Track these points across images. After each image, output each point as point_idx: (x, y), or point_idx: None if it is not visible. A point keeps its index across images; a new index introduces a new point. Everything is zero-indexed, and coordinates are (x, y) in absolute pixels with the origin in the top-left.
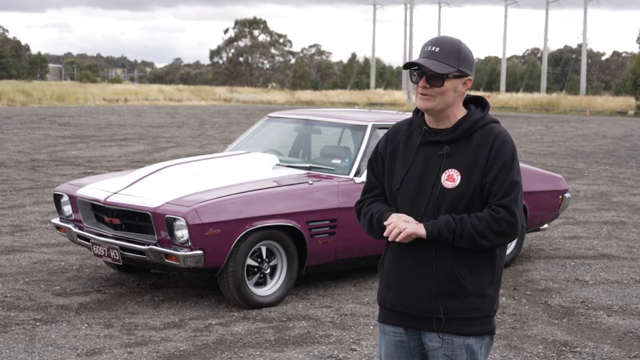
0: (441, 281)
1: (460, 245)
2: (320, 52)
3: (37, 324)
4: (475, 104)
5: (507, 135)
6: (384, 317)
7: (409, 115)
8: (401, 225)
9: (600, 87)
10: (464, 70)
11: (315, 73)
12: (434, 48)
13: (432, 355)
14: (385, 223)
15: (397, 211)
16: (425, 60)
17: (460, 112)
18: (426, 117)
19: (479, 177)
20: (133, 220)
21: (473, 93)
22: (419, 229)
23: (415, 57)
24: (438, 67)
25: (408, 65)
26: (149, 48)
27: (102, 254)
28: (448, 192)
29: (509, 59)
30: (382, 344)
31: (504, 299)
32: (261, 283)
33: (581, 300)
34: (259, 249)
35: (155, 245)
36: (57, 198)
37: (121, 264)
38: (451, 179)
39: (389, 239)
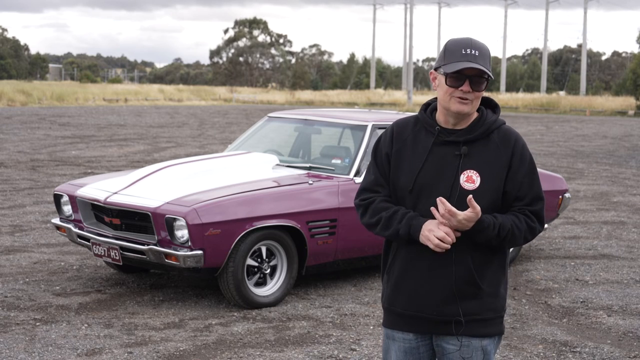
0: (460, 283)
1: (493, 244)
2: (321, 53)
3: (37, 324)
4: (485, 105)
5: (523, 139)
6: (393, 323)
7: (410, 115)
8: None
9: (601, 87)
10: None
11: (315, 73)
12: (474, 51)
13: (448, 359)
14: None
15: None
16: (476, 65)
17: (475, 112)
18: (441, 116)
19: (500, 179)
20: (133, 220)
21: None
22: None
23: (415, 57)
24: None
25: (460, 70)
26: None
27: (102, 254)
28: (468, 193)
29: (509, 59)
30: (390, 349)
31: None
32: (261, 283)
33: (581, 300)
34: (259, 249)
35: (155, 245)
36: (57, 198)
37: (121, 264)
38: (470, 180)
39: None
